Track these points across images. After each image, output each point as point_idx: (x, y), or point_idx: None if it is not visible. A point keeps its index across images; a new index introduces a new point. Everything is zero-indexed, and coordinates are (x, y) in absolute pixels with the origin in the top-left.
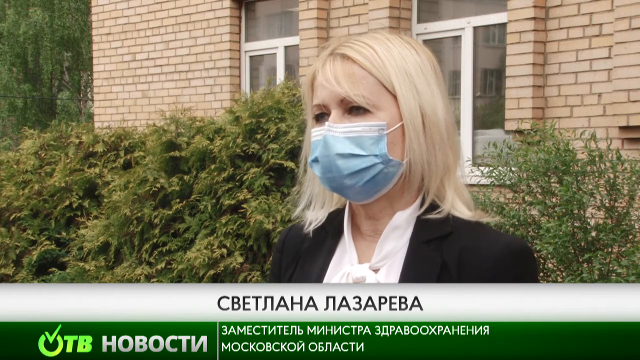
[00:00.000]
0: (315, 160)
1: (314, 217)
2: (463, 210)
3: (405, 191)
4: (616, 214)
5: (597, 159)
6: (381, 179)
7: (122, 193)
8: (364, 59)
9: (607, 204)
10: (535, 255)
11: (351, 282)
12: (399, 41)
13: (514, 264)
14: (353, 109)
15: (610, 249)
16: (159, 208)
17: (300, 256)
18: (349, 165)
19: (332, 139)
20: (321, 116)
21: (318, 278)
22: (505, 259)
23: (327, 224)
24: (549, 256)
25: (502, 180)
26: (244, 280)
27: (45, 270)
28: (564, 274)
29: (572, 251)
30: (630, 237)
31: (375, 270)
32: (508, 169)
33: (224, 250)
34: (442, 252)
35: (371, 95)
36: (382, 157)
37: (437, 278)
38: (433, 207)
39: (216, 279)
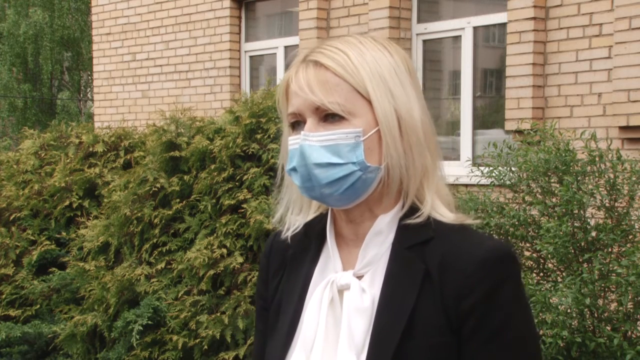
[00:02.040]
0: (294, 170)
1: (292, 223)
2: (444, 212)
3: (385, 195)
4: (616, 214)
5: (597, 159)
6: (360, 185)
7: (122, 193)
8: (337, 65)
9: (607, 204)
10: (518, 259)
11: (336, 289)
12: (371, 44)
13: (497, 267)
14: (328, 117)
15: (610, 249)
16: (159, 208)
17: (287, 264)
18: (327, 175)
19: (309, 148)
20: (297, 124)
21: (303, 285)
22: (488, 262)
23: (310, 230)
24: (549, 256)
25: (502, 180)
26: (244, 280)
27: (45, 270)
28: (564, 274)
29: (572, 251)
30: (630, 237)
31: (359, 277)
32: (508, 169)
33: (224, 250)
34: (424, 258)
35: (346, 102)
36: (359, 164)
37: (420, 284)
38: (413, 210)
39: (216, 279)
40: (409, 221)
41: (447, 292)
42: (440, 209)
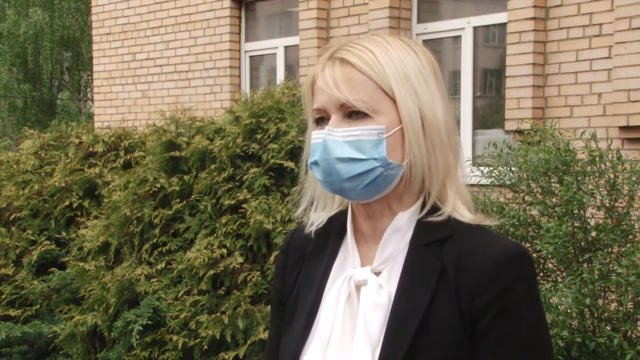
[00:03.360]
0: (315, 163)
1: (315, 218)
2: (464, 213)
3: (406, 193)
4: (616, 214)
5: (597, 159)
6: (381, 181)
7: (122, 193)
8: (363, 63)
9: (607, 204)
10: (533, 260)
11: (353, 285)
12: (398, 44)
13: (511, 267)
14: (353, 114)
15: (610, 249)
16: (159, 208)
17: (305, 258)
18: (349, 170)
19: (332, 142)
20: (321, 120)
21: (322, 280)
22: (502, 262)
23: (330, 225)
24: (549, 256)
25: (502, 180)
26: (244, 280)
27: (45, 270)
28: (564, 274)
29: (572, 251)
30: (630, 237)
31: (377, 273)
32: (508, 169)
33: (224, 250)
34: (441, 256)
35: (370, 99)
36: (381, 160)
37: (436, 281)
38: (434, 209)
39: (216, 279)
40: (429, 219)
41: (462, 290)
42: (461, 209)
